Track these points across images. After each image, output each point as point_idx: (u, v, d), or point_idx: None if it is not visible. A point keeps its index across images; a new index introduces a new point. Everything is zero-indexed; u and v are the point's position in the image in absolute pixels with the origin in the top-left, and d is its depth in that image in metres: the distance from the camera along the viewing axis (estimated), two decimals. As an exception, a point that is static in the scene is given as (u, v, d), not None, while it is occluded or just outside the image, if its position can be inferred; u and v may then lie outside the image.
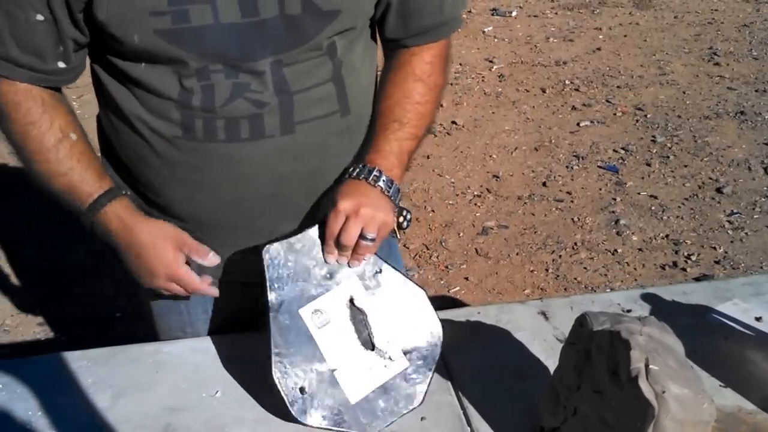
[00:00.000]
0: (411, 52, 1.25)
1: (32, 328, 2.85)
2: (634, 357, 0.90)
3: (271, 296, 1.11)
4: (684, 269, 3.15)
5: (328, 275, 1.14)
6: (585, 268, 3.19)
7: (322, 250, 1.14)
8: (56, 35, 1.08)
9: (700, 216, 3.53)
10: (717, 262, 3.19)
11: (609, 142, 4.23)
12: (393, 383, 1.13)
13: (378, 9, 1.20)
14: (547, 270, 3.19)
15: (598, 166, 3.99)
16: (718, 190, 3.72)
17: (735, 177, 3.84)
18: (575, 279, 3.12)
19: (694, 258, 3.22)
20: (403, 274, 1.18)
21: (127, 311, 2.92)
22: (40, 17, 1.06)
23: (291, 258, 1.13)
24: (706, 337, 1.30)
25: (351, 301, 1.14)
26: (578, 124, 4.42)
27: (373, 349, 1.14)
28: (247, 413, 1.15)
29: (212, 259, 1.13)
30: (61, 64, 1.12)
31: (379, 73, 1.31)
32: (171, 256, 1.14)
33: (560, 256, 3.27)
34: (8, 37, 1.07)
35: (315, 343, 1.10)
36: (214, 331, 1.36)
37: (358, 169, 1.16)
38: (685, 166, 3.96)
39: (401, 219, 1.37)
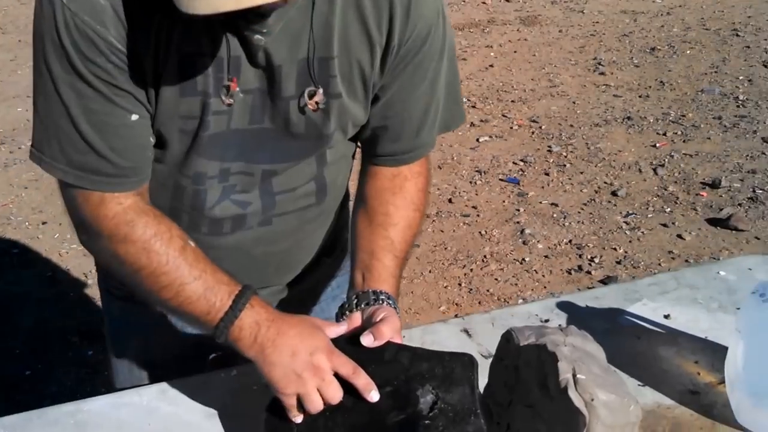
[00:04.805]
0: (404, 176, 1.25)
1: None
2: (562, 368, 0.93)
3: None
4: (589, 272, 3.27)
5: None
6: (496, 279, 3.27)
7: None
8: (149, 129, 1.07)
9: (599, 219, 3.68)
10: (618, 263, 3.33)
11: (508, 155, 4.35)
12: None
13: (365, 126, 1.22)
14: (460, 284, 3.24)
15: (500, 179, 4.10)
16: (614, 194, 3.88)
17: (628, 180, 4.01)
18: (488, 291, 3.19)
19: (597, 261, 3.35)
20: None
21: (37, 369, 2.80)
22: (135, 117, 1.04)
23: None
24: (621, 339, 1.35)
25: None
26: (478, 140, 4.53)
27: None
28: (181, 463, 1.12)
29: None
30: (152, 155, 1.11)
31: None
32: (324, 339, 1.07)
33: (471, 269, 3.34)
34: (109, 151, 1.04)
35: None
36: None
37: (391, 300, 1.16)
38: (581, 173, 4.11)
39: None
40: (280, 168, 1.17)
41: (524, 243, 3.51)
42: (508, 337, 1.04)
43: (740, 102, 4.82)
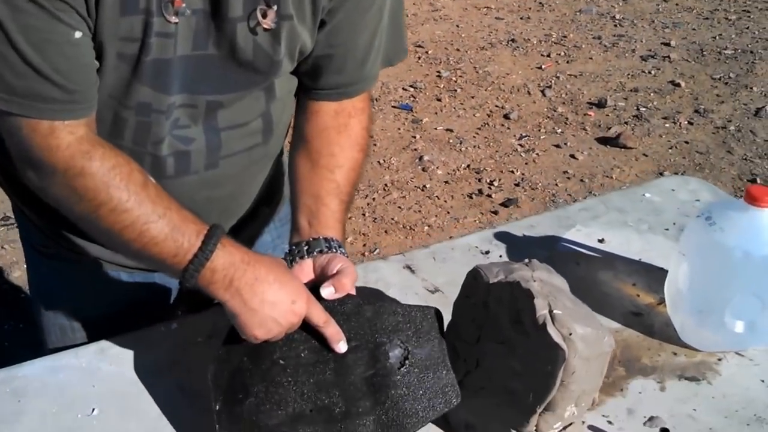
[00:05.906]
0: (347, 113, 1.19)
1: None
2: (538, 305, 0.93)
3: None
4: (489, 195, 3.33)
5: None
6: (399, 207, 3.28)
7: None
8: (92, 49, 0.96)
9: (494, 143, 3.73)
10: (517, 185, 3.40)
11: (397, 81, 4.32)
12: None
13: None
14: (364, 215, 3.23)
15: (393, 107, 4.07)
16: (506, 117, 3.94)
17: (518, 102, 4.08)
18: (392, 219, 3.19)
19: (496, 184, 3.41)
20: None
21: None
22: (78, 34, 0.92)
23: None
24: (562, 266, 1.34)
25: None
26: (365, 66, 4.47)
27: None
28: (132, 426, 1.06)
29: None
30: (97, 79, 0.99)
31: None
32: (301, 285, 1.02)
33: (374, 199, 3.33)
34: (53, 72, 0.92)
35: None
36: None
37: (343, 249, 1.13)
38: (472, 97, 4.14)
39: None
40: (225, 100, 1.09)
41: (423, 170, 3.52)
42: (475, 275, 1.03)
43: (617, 21, 4.96)
